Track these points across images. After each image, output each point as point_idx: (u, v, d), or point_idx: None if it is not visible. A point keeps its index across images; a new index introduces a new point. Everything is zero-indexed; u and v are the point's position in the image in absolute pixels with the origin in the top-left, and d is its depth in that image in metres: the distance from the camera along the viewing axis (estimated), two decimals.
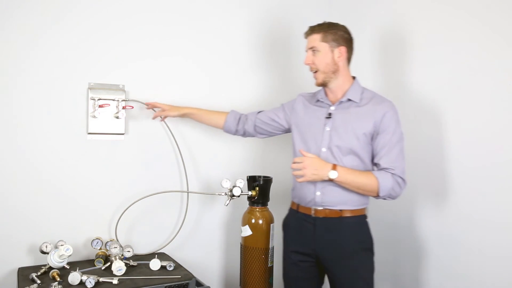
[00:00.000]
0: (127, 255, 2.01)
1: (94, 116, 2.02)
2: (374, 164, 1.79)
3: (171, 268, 1.94)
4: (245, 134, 2.11)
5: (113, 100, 2.05)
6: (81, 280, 1.71)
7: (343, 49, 1.79)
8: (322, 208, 1.78)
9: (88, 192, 2.06)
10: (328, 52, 1.78)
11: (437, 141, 2.01)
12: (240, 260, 2.14)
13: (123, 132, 2.10)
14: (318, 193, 1.78)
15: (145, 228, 2.19)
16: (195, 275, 1.90)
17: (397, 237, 2.22)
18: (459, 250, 1.92)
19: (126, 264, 1.91)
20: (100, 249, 2.00)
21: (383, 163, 1.73)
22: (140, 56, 2.14)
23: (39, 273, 1.79)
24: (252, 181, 2.11)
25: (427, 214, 2.07)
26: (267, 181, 2.12)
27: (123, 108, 2.06)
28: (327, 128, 1.80)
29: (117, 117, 2.06)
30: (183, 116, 2.13)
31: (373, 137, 1.76)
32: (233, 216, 2.41)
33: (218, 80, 2.35)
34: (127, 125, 2.13)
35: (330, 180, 1.71)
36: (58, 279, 1.74)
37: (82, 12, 2.01)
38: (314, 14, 2.03)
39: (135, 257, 2.06)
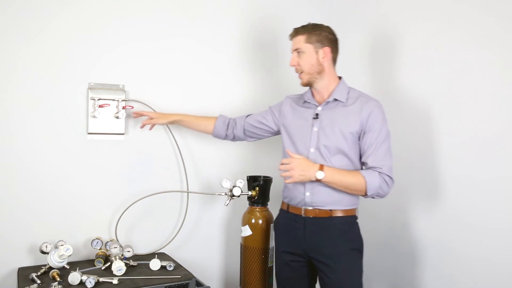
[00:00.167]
0: (127, 255, 2.01)
1: (94, 116, 2.02)
2: (362, 163, 1.80)
3: (171, 268, 1.94)
4: (234, 139, 2.12)
5: (113, 100, 2.05)
6: (81, 280, 1.71)
7: (327, 49, 1.80)
8: (312, 208, 1.79)
9: (88, 192, 2.06)
10: (312, 53, 1.80)
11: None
12: (240, 260, 2.14)
13: (123, 132, 2.10)
14: (307, 194, 1.79)
15: (145, 228, 2.19)
16: (195, 275, 1.90)
17: (392, 239, 2.23)
18: (452, 253, 1.93)
19: (126, 264, 1.91)
20: (100, 249, 2.00)
21: (370, 162, 1.74)
22: (140, 56, 2.14)
23: (39, 273, 1.79)
24: (252, 181, 2.11)
25: (421, 216, 2.08)
26: (267, 181, 2.12)
27: (123, 108, 2.06)
28: (315, 129, 1.81)
29: (117, 117, 2.06)
30: (171, 123, 2.12)
31: (360, 136, 1.77)
32: (233, 216, 2.41)
33: (217, 80, 2.35)
34: (127, 125, 2.13)
35: (318, 181, 1.72)
36: (58, 279, 1.74)
37: (82, 12, 2.01)
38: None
39: (135, 257, 2.06)
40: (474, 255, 1.84)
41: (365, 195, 1.74)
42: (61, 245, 1.87)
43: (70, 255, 1.82)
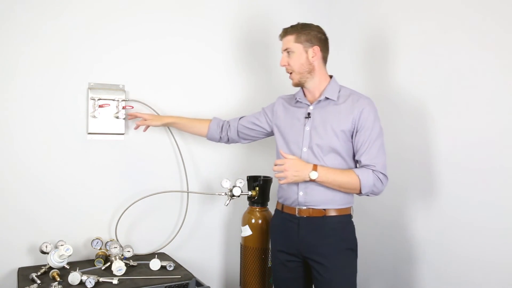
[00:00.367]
0: (127, 255, 2.01)
1: (94, 116, 2.02)
2: (356, 161, 1.81)
3: (171, 268, 1.94)
4: (228, 141, 2.12)
5: (113, 100, 2.05)
6: (81, 280, 1.71)
7: (316, 48, 1.80)
8: (305, 207, 1.79)
9: (88, 192, 2.06)
10: (302, 53, 1.80)
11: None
12: (240, 260, 2.14)
13: (123, 132, 2.10)
14: (301, 193, 1.79)
15: (145, 228, 2.19)
16: (195, 275, 1.90)
17: (389, 239, 2.23)
18: (450, 252, 1.93)
19: (126, 264, 1.91)
20: (100, 249, 2.00)
21: (363, 160, 1.75)
22: (140, 56, 2.14)
23: (39, 273, 1.79)
24: (252, 181, 2.11)
25: (418, 216, 2.08)
26: (267, 181, 2.12)
27: (123, 108, 2.06)
28: (307, 128, 1.82)
29: (117, 117, 2.06)
30: (165, 125, 2.12)
31: (353, 134, 1.77)
32: (233, 216, 2.41)
33: (217, 80, 2.35)
34: (127, 125, 2.13)
35: (312, 181, 1.73)
36: (58, 279, 1.74)
37: (82, 11, 2.01)
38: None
39: (135, 257, 2.06)
40: (471, 254, 1.84)
41: (360, 193, 1.75)
42: (61, 245, 1.87)
43: (70, 255, 1.83)
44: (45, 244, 1.88)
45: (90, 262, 1.97)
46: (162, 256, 2.10)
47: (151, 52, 2.17)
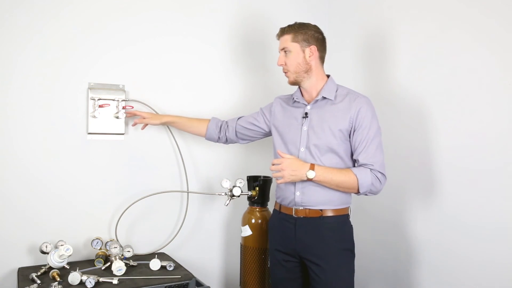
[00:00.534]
0: (127, 255, 2.01)
1: (94, 116, 2.02)
2: (354, 160, 1.80)
3: (171, 268, 1.94)
4: (227, 141, 2.12)
5: (113, 100, 2.05)
6: (81, 280, 1.71)
7: (314, 48, 1.80)
8: (302, 208, 1.79)
9: (88, 192, 2.06)
10: (299, 52, 1.80)
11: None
12: (240, 260, 2.14)
13: (123, 132, 2.10)
14: (297, 193, 1.79)
15: (145, 228, 2.19)
16: (195, 275, 1.90)
17: (389, 239, 2.23)
18: (449, 253, 1.93)
19: (126, 264, 1.91)
20: (100, 249, 2.00)
21: (361, 159, 1.74)
22: (140, 56, 2.14)
23: (39, 273, 1.79)
24: (252, 181, 2.11)
25: (417, 216, 2.08)
26: (267, 181, 2.12)
27: (123, 108, 2.06)
28: (305, 128, 1.82)
29: (117, 117, 2.06)
30: (164, 124, 2.13)
31: (350, 134, 1.77)
32: (233, 216, 2.41)
33: (217, 79, 2.35)
34: (127, 125, 2.13)
35: (309, 180, 1.72)
36: (58, 279, 1.74)
37: (82, 11, 2.01)
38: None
39: (135, 257, 2.06)
40: (470, 254, 1.84)
41: (358, 192, 1.75)
42: (61, 245, 1.87)
43: (70, 255, 1.82)
44: (45, 244, 1.88)
45: (90, 262, 1.97)
46: (162, 256, 2.10)
47: (151, 52, 2.17)
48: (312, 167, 1.72)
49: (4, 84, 1.89)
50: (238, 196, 2.05)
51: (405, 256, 2.13)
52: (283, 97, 2.00)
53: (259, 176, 2.11)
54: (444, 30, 1.95)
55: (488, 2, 1.78)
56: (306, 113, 1.83)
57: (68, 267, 1.85)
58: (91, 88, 2.03)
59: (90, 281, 1.70)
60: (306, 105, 1.85)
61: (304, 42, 1.80)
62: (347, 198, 1.82)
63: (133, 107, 2.10)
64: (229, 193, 2.05)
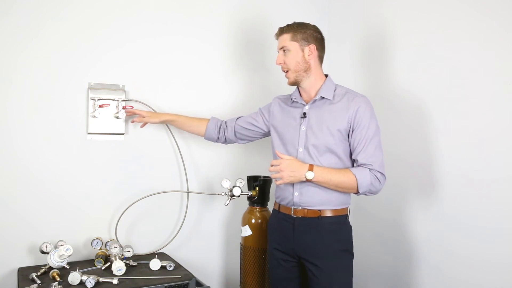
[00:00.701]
0: (127, 255, 2.01)
1: (94, 116, 2.02)
2: (353, 160, 1.80)
3: (171, 268, 1.94)
4: (226, 141, 2.12)
5: (113, 100, 2.05)
6: (81, 280, 1.71)
7: (312, 47, 1.80)
8: (300, 208, 1.79)
9: (88, 192, 2.06)
10: (298, 51, 1.80)
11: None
12: (240, 260, 2.14)
13: (123, 132, 2.10)
14: (296, 194, 1.79)
15: (145, 228, 2.19)
16: (195, 275, 1.90)
17: (388, 239, 2.23)
18: (449, 252, 1.93)
19: (126, 264, 1.91)
20: (100, 249, 2.00)
21: (360, 159, 1.74)
22: (140, 56, 2.14)
23: (39, 273, 1.79)
24: (252, 181, 2.11)
25: (417, 216, 2.08)
26: (267, 181, 2.12)
27: (123, 108, 2.06)
28: (303, 128, 1.82)
29: (117, 117, 2.06)
30: (163, 122, 2.12)
31: (349, 133, 1.77)
32: (233, 216, 2.41)
33: (216, 79, 2.35)
34: (127, 125, 2.13)
35: (308, 181, 1.72)
36: (58, 279, 1.74)
37: (81, 12, 2.01)
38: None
39: (135, 257, 2.06)
40: (470, 254, 1.84)
41: (357, 192, 1.74)
42: (61, 245, 1.87)
43: (70, 255, 1.82)
44: (45, 244, 1.88)
45: (90, 262, 1.97)
46: (162, 256, 2.10)
47: (151, 52, 2.17)
48: (311, 167, 1.71)
49: (4, 84, 1.89)
50: (238, 196, 2.05)
51: (405, 256, 2.13)
52: (281, 97, 2.00)
53: (259, 176, 2.11)
54: (444, 30, 1.95)
55: (487, 2, 1.78)
56: (304, 113, 1.83)
57: (68, 267, 1.85)
58: (91, 88, 2.03)
59: (90, 281, 1.70)
60: (304, 105, 1.85)
61: (303, 41, 1.80)
62: (346, 198, 1.81)
63: (133, 107, 2.10)
64: (229, 193, 2.05)
